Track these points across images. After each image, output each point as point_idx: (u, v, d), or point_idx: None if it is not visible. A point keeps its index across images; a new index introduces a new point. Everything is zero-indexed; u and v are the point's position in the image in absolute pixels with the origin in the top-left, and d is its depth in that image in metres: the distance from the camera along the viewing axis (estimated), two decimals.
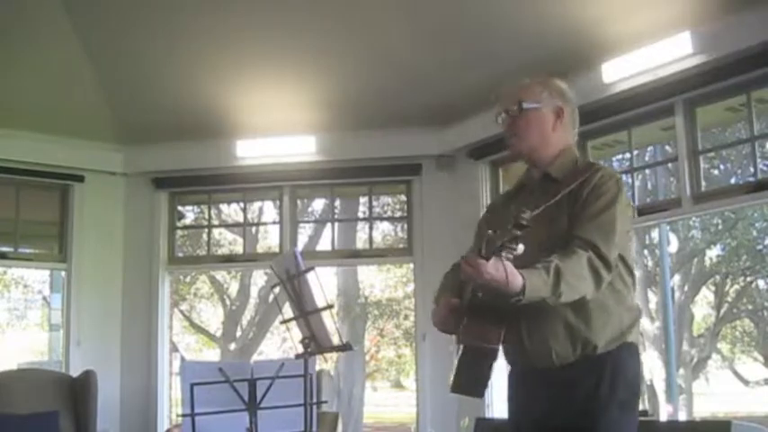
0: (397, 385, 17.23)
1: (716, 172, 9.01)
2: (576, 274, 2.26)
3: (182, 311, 13.35)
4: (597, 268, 2.30)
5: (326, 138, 6.54)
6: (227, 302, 13.71)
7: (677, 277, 11.85)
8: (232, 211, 9.80)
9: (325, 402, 5.18)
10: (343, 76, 6.08)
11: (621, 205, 2.42)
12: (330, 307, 3.74)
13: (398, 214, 9.24)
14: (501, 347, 2.40)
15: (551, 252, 2.29)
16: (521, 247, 2.10)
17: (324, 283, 3.82)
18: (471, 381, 2.51)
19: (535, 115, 2.55)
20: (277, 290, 3.96)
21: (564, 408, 2.38)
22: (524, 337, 2.44)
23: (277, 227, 7.15)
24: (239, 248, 9.36)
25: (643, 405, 6.50)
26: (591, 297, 2.30)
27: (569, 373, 2.39)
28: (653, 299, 11.60)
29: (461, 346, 2.45)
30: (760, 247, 11.27)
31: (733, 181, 8.70)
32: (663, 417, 10.04)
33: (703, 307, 12.35)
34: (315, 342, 3.67)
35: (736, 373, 13.30)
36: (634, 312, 2.50)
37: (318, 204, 10.74)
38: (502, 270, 2.14)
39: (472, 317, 2.41)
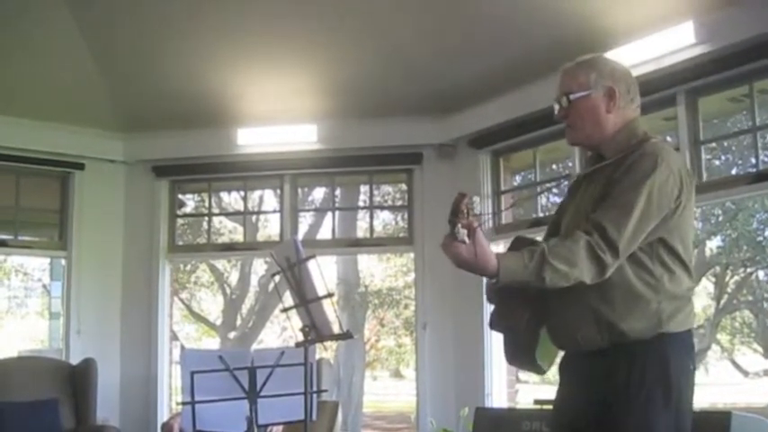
0: (397, 375, 17.25)
1: (717, 162, 8.96)
2: (565, 259, 2.18)
3: (182, 300, 13.34)
4: (597, 253, 2.19)
5: (327, 126, 6.53)
6: (228, 291, 13.71)
7: None
8: (232, 200, 9.79)
9: (326, 391, 5.18)
10: (345, 64, 6.07)
11: (656, 185, 2.26)
12: (331, 295, 3.74)
13: (399, 203, 9.22)
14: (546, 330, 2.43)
15: None
16: (462, 232, 2.13)
17: (324, 272, 3.82)
18: (517, 356, 2.58)
19: (585, 103, 2.44)
20: (277, 278, 3.96)
21: (596, 396, 2.30)
22: (550, 319, 2.40)
23: (277, 215, 7.15)
24: (239, 237, 9.36)
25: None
26: (591, 282, 2.21)
27: (604, 360, 2.31)
28: None
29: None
30: (760, 238, 11.21)
31: (734, 172, 8.65)
32: None
33: (703, 298, 12.28)
34: (315, 330, 3.67)
35: (735, 364, 13.30)
36: (679, 301, 2.32)
37: (319, 193, 10.73)
38: (472, 252, 2.14)
39: (501, 299, 2.43)
